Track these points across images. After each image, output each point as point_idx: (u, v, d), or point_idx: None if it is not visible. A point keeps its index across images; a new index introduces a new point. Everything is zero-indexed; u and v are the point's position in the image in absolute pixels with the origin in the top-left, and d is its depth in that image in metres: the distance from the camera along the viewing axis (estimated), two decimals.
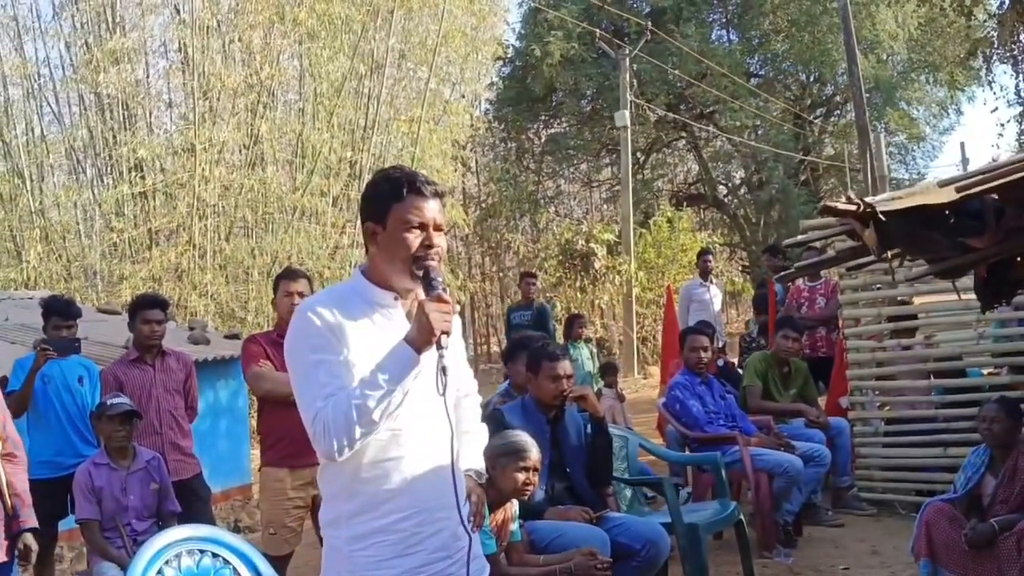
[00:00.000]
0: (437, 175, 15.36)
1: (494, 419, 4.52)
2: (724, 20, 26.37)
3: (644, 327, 19.35)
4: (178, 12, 13.78)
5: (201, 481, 5.53)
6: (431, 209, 2.26)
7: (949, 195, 2.21)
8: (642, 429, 8.66)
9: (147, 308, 5.41)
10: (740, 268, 26.08)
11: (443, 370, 2.18)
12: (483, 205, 24.45)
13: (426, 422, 2.28)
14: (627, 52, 19.21)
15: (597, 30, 19.81)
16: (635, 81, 20.97)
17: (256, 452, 6.48)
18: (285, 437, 4.64)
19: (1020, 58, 12.94)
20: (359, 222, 2.38)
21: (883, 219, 2.22)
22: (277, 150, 13.69)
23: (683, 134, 26.23)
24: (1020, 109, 18.30)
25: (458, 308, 2.61)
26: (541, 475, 4.16)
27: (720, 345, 9.38)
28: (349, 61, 13.81)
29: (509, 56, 23.12)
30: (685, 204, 25.51)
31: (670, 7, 23.60)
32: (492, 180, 24.50)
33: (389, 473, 2.24)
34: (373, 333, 2.24)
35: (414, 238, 2.23)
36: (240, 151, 13.25)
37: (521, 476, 3.66)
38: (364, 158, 13.85)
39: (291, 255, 12.62)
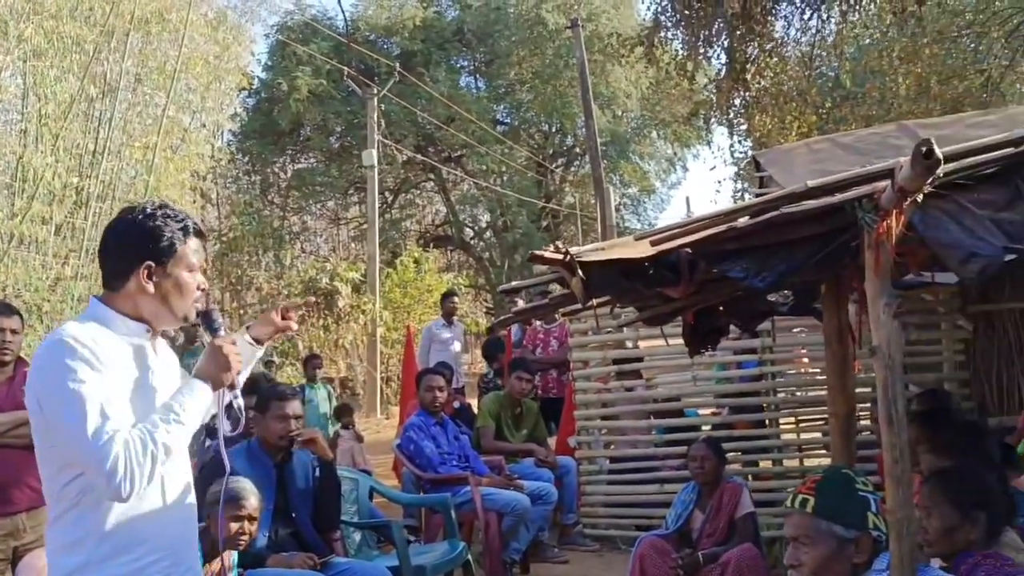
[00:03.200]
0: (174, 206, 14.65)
1: (217, 463, 4.34)
2: (473, 67, 27.12)
3: (389, 367, 19.29)
4: None
5: None
6: (203, 251, 2.36)
7: (645, 248, 2.37)
8: (382, 470, 8.60)
9: None
10: (484, 310, 26.66)
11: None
12: (224, 239, 23.61)
13: (180, 464, 2.29)
14: (375, 92, 19.27)
15: (346, 68, 19.75)
16: (383, 121, 21.08)
17: None
18: None
19: (735, 121, 14.09)
20: (99, 254, 2.33)
21: (583, 270, 2.33)
22: None
23: (431, 176, 26.64)
24: (735, 169, 20.00)
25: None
26: (264, 521, 4.03)
27: (460, 386, 9.50)
28: (79, 82, 12.95)
29: (255, 88, 22.60)
30: (432, 245, 25.85)
31: (420, 51, 24.01)
32: (234, 213, 23.73)
33: (145, 514, 2.20)
34: (126, 365, 2.21)
35: (195, 280, 2.30)
36: None
37: (235, 525, 3.53)
38: (92, 184, 12.98)
39: (6, 286, 11.58)
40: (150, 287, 2.25)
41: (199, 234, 2.31)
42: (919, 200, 2.27)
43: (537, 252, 2.39)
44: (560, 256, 2.38)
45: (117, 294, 2.27)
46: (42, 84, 12.89)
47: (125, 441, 2.05)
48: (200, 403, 2.18)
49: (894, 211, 2.24)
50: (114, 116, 13.41)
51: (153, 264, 2.25)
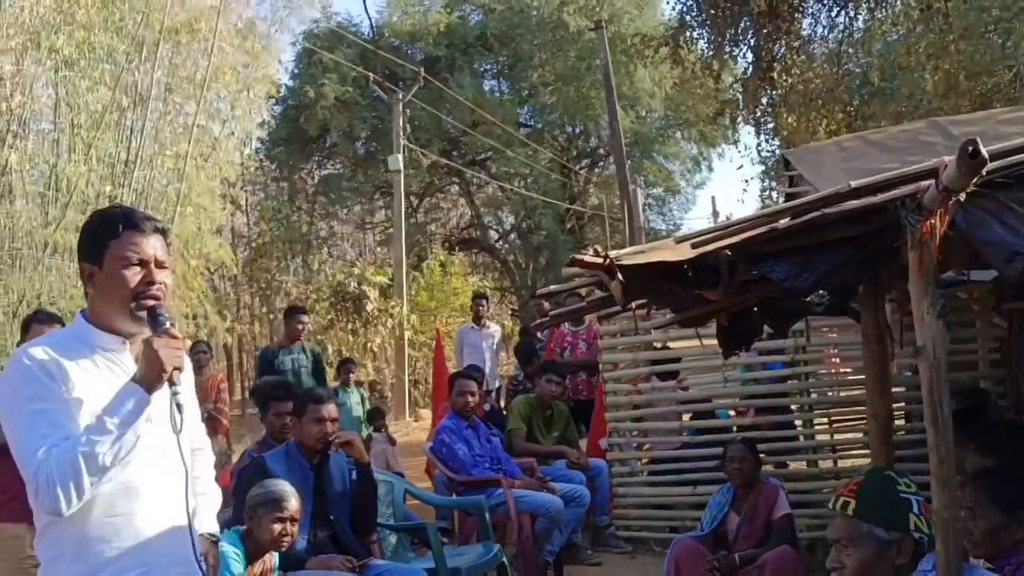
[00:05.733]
0: (205, 213, 14.78)
1: (257, 467, 4.39)
2: (496, 71, 27.11)
3: (417, 370, 19.35)
4: None
5: None
6: (151, 245, 2.21)
7: (685, 251, 2.37)
8: (413, 473, 8.62)
9: None
10: (510, 312, 26.67)
11: (178, 407, 2.12)
12: (253, 245, 23.78)
13: (159, 472, 2.18)
14: (401, 97, 19.34)
15: (371, 74, 19.82)
16: (408, 126, 21.13)
17: None
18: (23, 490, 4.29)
19: (762, 120, 14.00)
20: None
21: (622, 274, 2.34)
22: (28, 182, 12.71)
23: (456, 180, 26.67)
24: (762, 168, 19.84)
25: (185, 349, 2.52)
26: (303, 523, 4.06)
27: (495, 388, 9.51)
28: (111, 92, 13.09)
29: (282, 95, 22.72)
30: (457, 248, 25.86)
31: (444, 56, 24.04)
32: (263, 219, 23.89)
33: (120, 529, 2.13)
34: (98, 379, 2.14)
35: (133, 275, 2.17)
36: None
37: (278, 527, 3.56)
38: (125, 193, 13.12)
39: (41, 294, 11.72)
40: (94, 291, 2.22)
41: (134, 226, 2.20)
42: (962, 199, 2.26)
43: (577, 256, 2.40)
44: (600, 260, 2.39)
45: (90, 306, 2.26)
46: (74, 94, 13.03)
47: (54, 456, 2.00)
48: (129, 407, 2.04)
49: (938, 211, 2.23)
50: (145, 125, 13.55)
51: (90, 265, 2.22)
